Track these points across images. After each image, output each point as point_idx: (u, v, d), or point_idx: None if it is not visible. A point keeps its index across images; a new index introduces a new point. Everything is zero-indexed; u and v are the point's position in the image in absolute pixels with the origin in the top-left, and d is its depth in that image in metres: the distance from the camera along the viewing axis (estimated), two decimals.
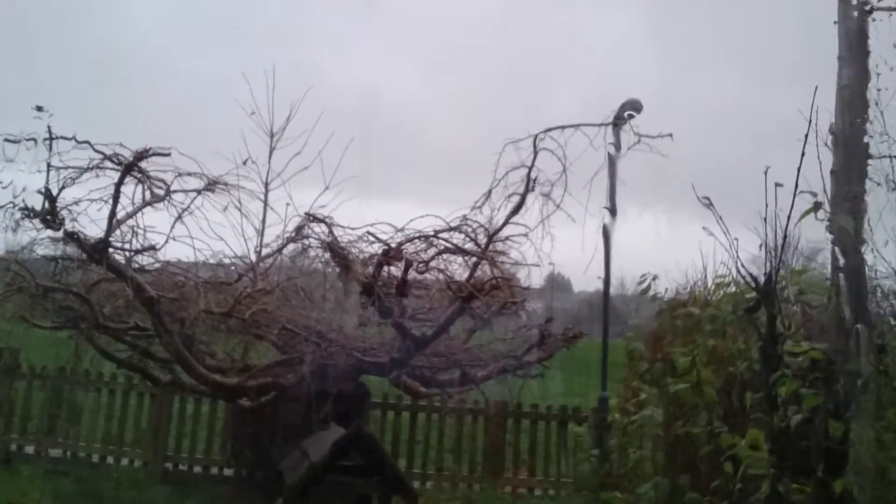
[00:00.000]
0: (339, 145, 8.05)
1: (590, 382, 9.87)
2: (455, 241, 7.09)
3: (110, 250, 6.57)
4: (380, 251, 6.79)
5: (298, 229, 7.27)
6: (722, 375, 5.44)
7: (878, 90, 4.40)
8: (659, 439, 5.75)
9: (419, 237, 6.91)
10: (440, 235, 7.02)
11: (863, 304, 4.30)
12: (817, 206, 4.28)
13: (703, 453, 5.04)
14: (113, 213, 6.51)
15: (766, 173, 4.15)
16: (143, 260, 7.11)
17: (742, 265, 4.69)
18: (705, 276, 6.46)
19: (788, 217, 4.30)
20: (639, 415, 5.75)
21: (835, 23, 4.50)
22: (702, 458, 5.16)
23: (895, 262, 4.79)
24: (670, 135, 7.13)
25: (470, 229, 7.18)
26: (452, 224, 7.09)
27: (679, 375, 5.47)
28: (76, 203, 6.41)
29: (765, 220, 4.29)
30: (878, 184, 4.47)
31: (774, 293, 4.42)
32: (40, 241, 6.76)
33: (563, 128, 7.36)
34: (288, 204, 7.57)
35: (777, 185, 4.29)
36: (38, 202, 6.21)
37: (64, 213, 6.32)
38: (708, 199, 4.45)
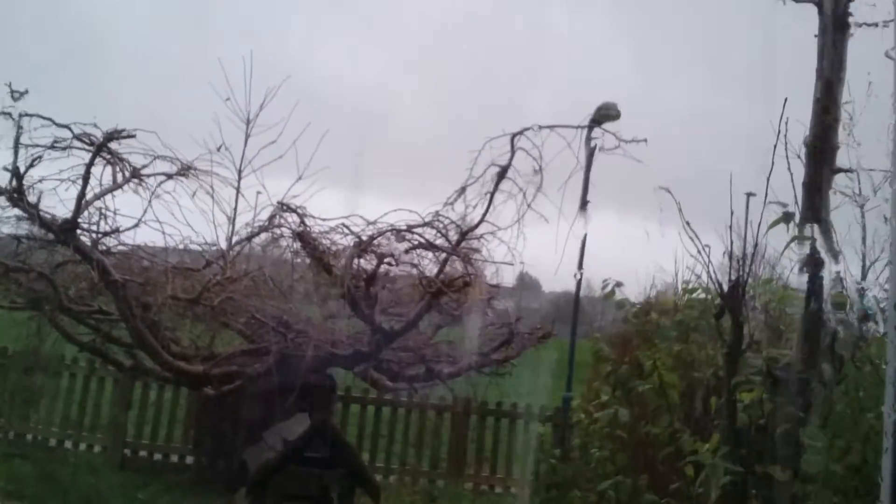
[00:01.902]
0: (313, 136, 7.99)
1: (555, 382, 9.95)
2: (427, 237, 7.09)
3: (77, 232, 6.49)
4: (352, 243, 6.77)
5: (270, 218, 7.22)
6: (686, 380, 5.52)
7: (850, 104, 4.49)
8: (621, 440, 5.81)
9: (391, 231, 6.90)
10: (413, 230, 7.01)
11: (822, 314, 4.38)
12: (788, 217, 4.36)
13: (663, 455, 5.11)
14: (82, 194, 6.43)
15: (730, 181, 4.20)
16: (111, 243, 7.04)
17: (712, 271, 4.76)
18: (675, 282, 6.54)
19: (758, 226, 4.38)
20: (602, 413, 5.80)
21: (815, 36, 4.56)
22: (662, 459, 5.23)
23: (859, 273, 4.91)
24: (645, 140, 7.21)
25: (442, 225, 7.18)
26: (426, 219, 7.09)
27: (644, 378, 5.55)
28: (41, 181, 6.32)
29: (730, 227, 4.34)
30: (848, 196, 4.57)
31: (740, 300, 4.49)
32: (5, 220, 6.65)
33: (540, 128, 7.39)
34: (260, 192, 7.53)
35: (749, 194, 4.35)
36: (3, 180, 6.12)
37: (31, 191, 6.23)
38: (679, 204, 4.50)
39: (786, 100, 4.15)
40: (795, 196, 4.43)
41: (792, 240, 4.31)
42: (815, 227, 4.28)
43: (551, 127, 7.42)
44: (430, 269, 7.25)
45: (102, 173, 6.58)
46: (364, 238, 6.76)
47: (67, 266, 7.07)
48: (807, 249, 4.24)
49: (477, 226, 7.31)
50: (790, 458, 4.18)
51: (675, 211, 4.56)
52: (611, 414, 5.74)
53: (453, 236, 7.25)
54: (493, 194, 7.32)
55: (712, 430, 4.63)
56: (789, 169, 4.29)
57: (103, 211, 6.67)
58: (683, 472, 4.68)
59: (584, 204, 7.90)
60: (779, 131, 4.14)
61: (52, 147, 6.40)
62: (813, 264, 4.23)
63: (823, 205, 4.43)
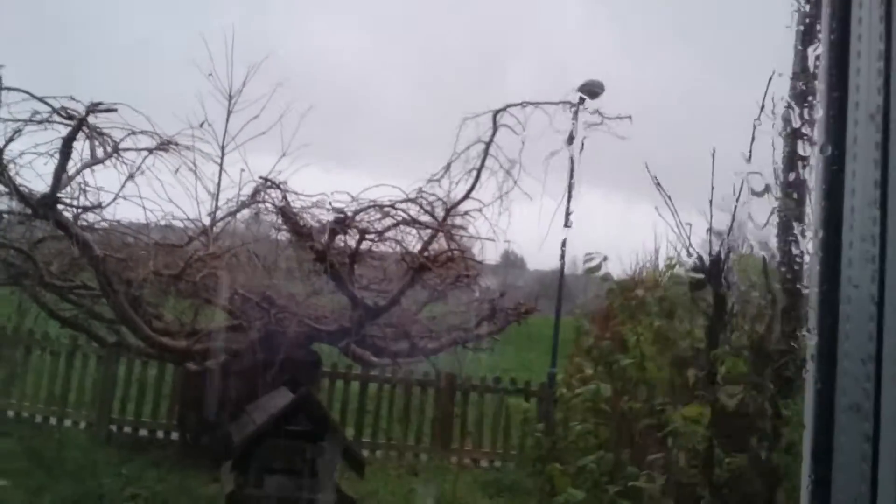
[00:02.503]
0: (296, 112, 7.95)
1: (540, 358, 10.03)
2: (412, 213, 7.10)
3: (58, 207, 6.45)
4: (334, 219, 6.76)
5: (253, 194, 7.20)
6: (667, 354, 5.58)
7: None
8: (603, 414, 5.87)
9: (375, 207, 6.90)
10: (396, 206, 7.02)
11: (799, 288, 4.42)
12: (766, 189, 4.38)
13: (642, 427, 5.17)
14: (61, 169, 6.38)
15: (713, 155, 4.22)
16: (92, 218, 7.00)
17: (691, 245, 4.79)
18: (656, 258, 6.59)
19: (737, 200, 4.40)
20: (584, 388, 5.86)
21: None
22: (642, 432, 5.30)
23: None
24: (629, 117, 7.22)
25: (426, 202, 7.19)
26: (410, 196, 7.10)
27: (626, 353, 5.60)
28: (20, 156, 6.27)
29: (710, 201, 4.37)
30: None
31: (720, 274, 4.53)
32: None
33: (525, 104, 7.38)
34: (243, 170, 7.49)
35: (736, 173, 4.37)
36: None
37: (12, 166, 6.17)
38: (656, 178, 4.52)
39: (773, 73, 4.15)
40: (775, 171, 4.46)
41: (771, 213, 4.35)
42: (793, 200, 4.31)
43: (536, 103, 7.41)
44: (415, 245, 7.27)
45: (83, 148, 6.54)
46: (347, 214, 6.75)
47: (48, 242, 7.03)
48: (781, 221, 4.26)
49: (461, 201, 7.32)
50: (768, 430, 4.24)
51: (663, 190, 4.59)
52: (593, 388, 5.80)
53: (438, 213, 7.26)
54: (479, 171, 7.32)
55: (692, 403, 4.69)
56: (773, 144, 4.32)
57: (84, 186, 6.63)
58: (664, 444, 4.75)
59: (570, 184, 7.89)
60: (762, 106, 4.15)
61: (30, 121, 6.34)
62: (787, 237, 4.26)
63: (800, 179, 4.45)
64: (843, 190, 0.63)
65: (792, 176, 4.43)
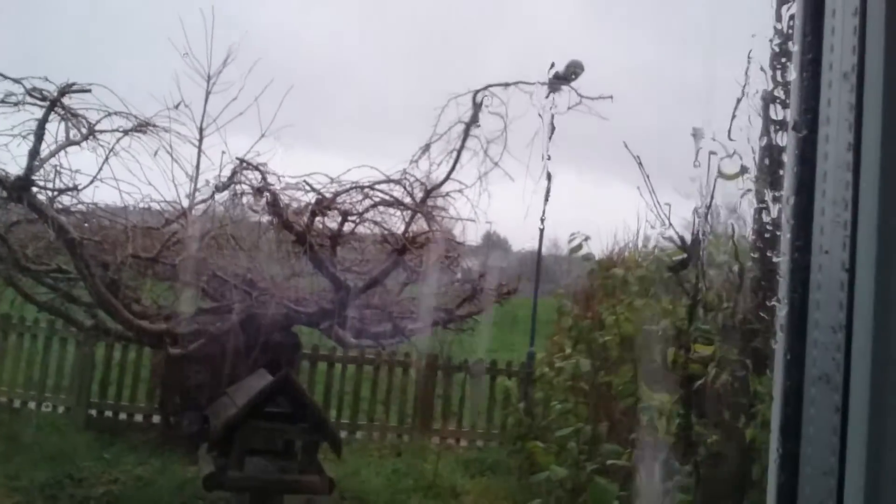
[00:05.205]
0: (276, 92, 7.83)
1: (522, 338, 10.06)
2: (395, 195, 7.05)
3: (33, 189, 6.34)
4: (314, 201, 6.71)
5: (232, 175, 7.11)
6: (645, 332, 5.61)
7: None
8: (583, 391, 5.92)
9: (355, 188, 6.85)
10: (376, 187, 6.97)
11: (770, 257, 4.45)
12: (743, 171, 4.39)
13: (621, 405, 5.21)
14: (35, 151, 6.27)
15: (693, 135, 4.22)
16: (68, 201, 6.90)
17: (671, 226, 4.80)
18: (636, 238, 6.61)
19: (715, 180, 4.41)
20: (564, 363, 5.89)
21: None
22: (622, 410, 5.34)
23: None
24: (610, 97, 7.20)
25: (408, 183, 7.14)
26: (391, 177, 7.05)
27: (605, 331, 5.63)
28: None
29: (692, 180, 4.37)
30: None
31: (697, 252, 4.55)
32: None
33: (505, 85, 7.33)
34: (224, 152, 7.38)
35: (711, 153, 4.37)
36: None
37: None
38: (638, 158, 4.52)
39: (750, 51, 4.15)
40: (753, 150, 4.46)
41: (744, 193, 4.36)
42: (768, 180, 4.32)
43: (516, 83, 7.37)
44: (397, 227, 7.24)
45: (58, 130, 6.42)
46: (327, 195, 6.70)
47: (23, 225, 6.92)
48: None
49: (442, 183, 7.29)
50: (741, 406, 4.28)
51: (641, 169, 4.59)
52: (573, 364, 5.83)
53: (419, 194, 7.22)
54: (459, 151, 7.28)
55: (669, 380, 4.72)
56: (750, 122, 4.32)
57: (59, 168, 6.52)
58: (641, 421, 4.78)
59: (546, 159, 7.85)
60: (744, 87, 4.14)
61: (3, 102, 6.22)
62: (761, 218, 4.28)
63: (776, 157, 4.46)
64: (815, 154, 0.61)
65: (764, 141, 4.45)
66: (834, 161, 0.58)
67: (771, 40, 0.68)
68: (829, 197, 0.58)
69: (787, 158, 0.65)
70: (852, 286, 0.55)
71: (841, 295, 0.55)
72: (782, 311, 0.63)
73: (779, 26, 0.68)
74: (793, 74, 0.65)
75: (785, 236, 0.63)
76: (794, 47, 0.65)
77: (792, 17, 0.67)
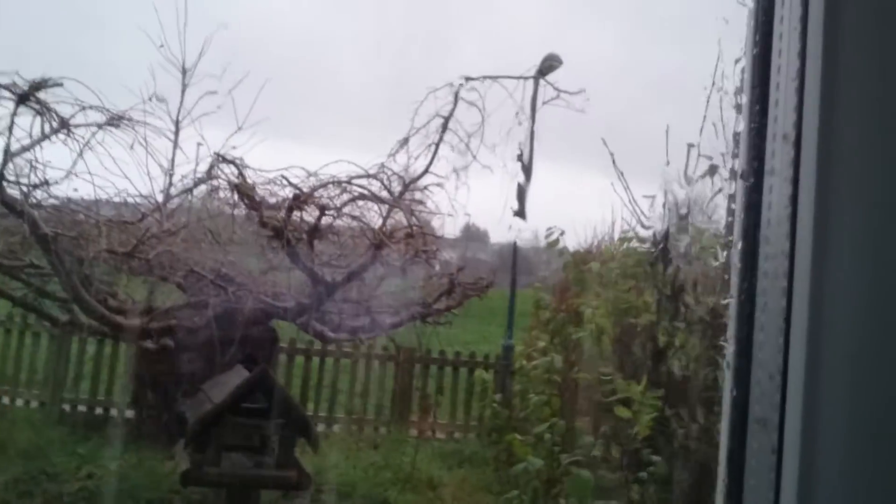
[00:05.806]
0: (252, 86, 7.77)
1: (500, 331, 10.13)
2: (373, 189, 7.06)
3: (4, 184, 6.26)
4: (291, 195, 6.70)
5: (208, 170, 7.07)
6: (621, 326, 5.70)
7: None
8: (557, 385, 5.99)
9: (333, 182, 6.85)
10: (354, 182, 6.97)
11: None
12: (713, 169, 4.47)
13: (595, 398, 5.29)
14: (8, 146, 6.20)
15: (667, 132, 4.30)
16: (41, 196, 6.81)
17: (645, 220, 4.89)
18: (612, 232, 6.68)
19: (688, 176, 4.49)
20: (539, 360, 5.96)
21: None
22: (597, 403, 5.42)
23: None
24: (584, 91, 7.26)
25: (386, 177, 7.15)
26: (369, 171, 7.05)
27: (581, 325, 5.70)
28: None
29: (664, 175, 4.45)
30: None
31: (668, 247, 4.63)
32: None
33: (484, 78, 7.35)
34: (200, 144, 7.32)
35: (689, 145, 4.45)
36: None
37: None
38: (612, 155, 4.59)
39: (720, 42, 4.20)
40: (726, 145, 4.54)
41: (717, 192, 4.44)
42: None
43: (495, 77, 7.39)
44: (375, 221, 7.24)
45: (32, 124, 6.34)
46: (305, 190, 6.69)
47: None
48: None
49: (420, 177, 7.31)
50: (714, 400, 4.38)
51: (618, 163, 4.66)
52: (548, 361, 5.91)
53: (396, 188, 7.23)
54: (437, 145, 7.30)
55: (644, 374, 4.82)
56: (722, 119, 4.39)
57: (33, 163, 6.44)
58: (616, 415, 4.87)
59: (523, 155, 7.89)
60: (713, 83, 4.21)
61: None
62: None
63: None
64: (761, 203, 0.65)
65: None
66: (776, 212, 0.62)
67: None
68: (772, 246, 0.62)
69: (736, 205, 0.69)
70: (788, 333, 0.59)
71: (780, 340, 0.59)
72: (729, 350, 0.67)
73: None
74: (741, 125, 0.69)
75: (733, 279, 0.67)
76: (744, 98, 0.69)
77: (743, 70, 0.71)
